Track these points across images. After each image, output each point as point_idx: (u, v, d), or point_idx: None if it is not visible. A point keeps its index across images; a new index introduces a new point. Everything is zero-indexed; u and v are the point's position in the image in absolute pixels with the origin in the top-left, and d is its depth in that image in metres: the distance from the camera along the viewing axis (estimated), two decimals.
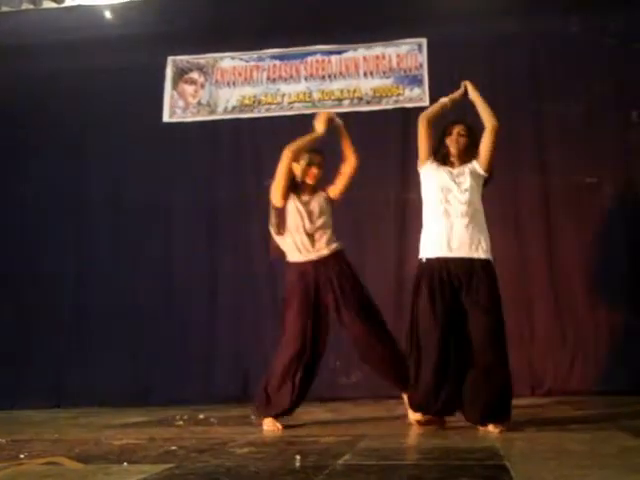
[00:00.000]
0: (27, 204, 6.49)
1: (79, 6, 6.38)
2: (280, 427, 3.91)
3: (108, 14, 6.33)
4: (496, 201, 5.82)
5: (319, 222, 4.06)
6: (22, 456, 3.11)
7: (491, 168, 3.87)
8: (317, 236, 4.04)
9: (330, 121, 4.19)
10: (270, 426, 3.94)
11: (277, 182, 4.07)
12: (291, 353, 3.93)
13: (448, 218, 3.74)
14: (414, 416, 3.82)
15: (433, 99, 5.96)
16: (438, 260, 3.71)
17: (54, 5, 6.37)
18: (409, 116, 6.08)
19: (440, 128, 4.00)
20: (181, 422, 4.50)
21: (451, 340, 3.64)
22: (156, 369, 6.00)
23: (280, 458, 2.90)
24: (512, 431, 3.46)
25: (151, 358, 6.04)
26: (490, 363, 3.58)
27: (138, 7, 6.33)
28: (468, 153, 3.88)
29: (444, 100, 4.12)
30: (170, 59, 6.60)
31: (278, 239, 4.10)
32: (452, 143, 3.89)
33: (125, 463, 2.86)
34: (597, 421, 3.88)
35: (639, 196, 5.75)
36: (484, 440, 3.26)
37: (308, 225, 4.03)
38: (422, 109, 5.95)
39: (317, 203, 4.10)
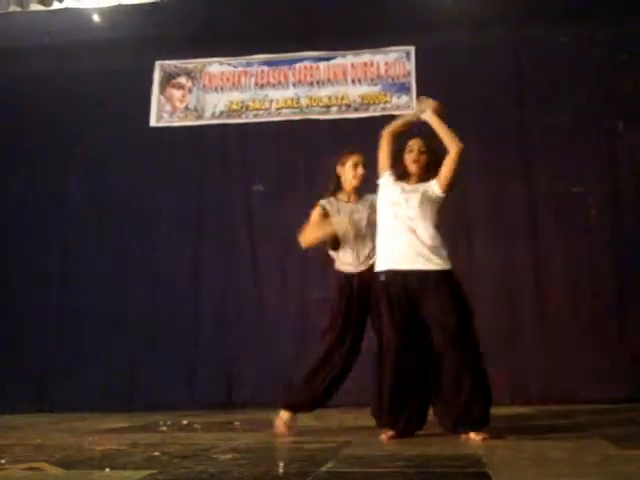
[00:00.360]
0: (13, 205, 6.46)
1: (67, 9, 6.37)
2: (290, 427, 3.90)
3: (96, 17, 6.32)
4: (482, 210, 5.89)
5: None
6: (3, 461, 3.08)
7: (450, 189, 3.78)
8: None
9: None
10: (281, 423, 3.92)
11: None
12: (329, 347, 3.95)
13: (397, 233, 3.71)
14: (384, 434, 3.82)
15: None
16: (394, 273, 3.69)
17: (42, 8, 6.36)
18: None
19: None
20: (165, 428, 4.48)
21: (410, 355, 3.62)
22: (140, 374, 5.98)
23: (263, 464, 2.89)
24: (494, 439, 3.47)
25: (135, 363, 6.02)
26: (457, 369, 3.55)
27: (126, 11, 6.33)
28: (428, 170, 3.82)
29: (408, 117, 4.05)
30: (158, 63, 6.59)
31: None
32: (411, 162, 3.82)
33: (107, 469, 2.85)
34: (579, 429, 3.90)
35: (624, 206, 5.79)
36: (466, 448, 3.27)
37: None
38: None
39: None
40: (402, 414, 3.65)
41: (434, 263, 3.65)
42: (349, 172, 4.08)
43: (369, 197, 4.08)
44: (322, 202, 4.14)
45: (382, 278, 3.72)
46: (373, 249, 3.92)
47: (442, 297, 3.61)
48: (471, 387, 3.54)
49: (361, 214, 4.04)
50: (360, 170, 4.04)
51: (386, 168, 3.90)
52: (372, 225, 3.95)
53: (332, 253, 4.10)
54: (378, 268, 3.77)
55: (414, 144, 3.84)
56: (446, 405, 3.60)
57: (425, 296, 3.63)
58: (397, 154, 3.87)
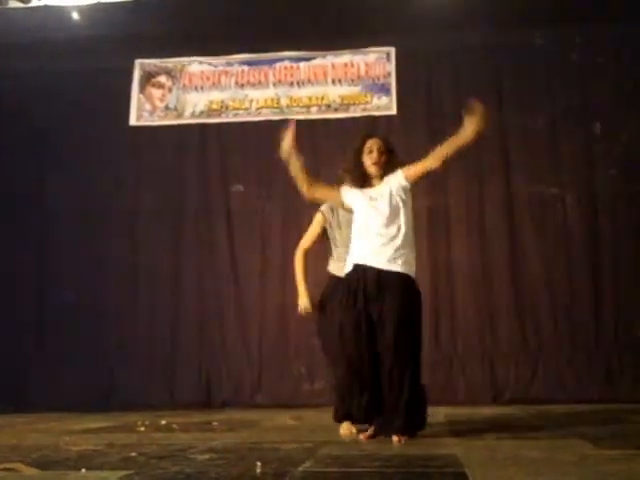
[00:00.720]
0: None
1: (46, 6, 6.32)
2: (354, 431, 3.80)
3: (75, 15, 6.27)
4: (460, 210, 5.92)
5: None
6: None
7: (414, 182, 3.66)
8: None
9: None
10: (345, 430, 3.86)
11: None
12: None
13: (367, 238, 3.63)
14: (342, 430, 3.83)
15: (400, 107, 6.07)
16: (356, 268, 3.64)
17: (20, 5, 6.30)
18: (377, 124, 6.14)
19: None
20: (142, 428, 4.45)
21: (365, 351, 3.58)
22: (118, 373, 5.96)
23: (241, 464, 2.88)
24: (472, 439, 3.48)
25: (114, 362, 6.00)
26: (394, 375, 3.51)
27: (106, 9, 6.28)
28: (387, 171, 3.67)
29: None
30: (138, 62, 6.56)
31: None
32: (371, 164, 3.66)
33: (83, 469, 2.82)
34: (556, 429, 3.92)
35: (601, 207, 5.84)
36: (444, 447, 3.27)
37: None
38: (390, 117, 6.08)
39: None
40: (353, 401, 3.66)
41: (397, 265, 3.62)
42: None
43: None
44: (323, 209, 4.10)
45: (344, 273, 3.72)
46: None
47: (394, 299, 3.55)
48: (405, 396, 3.49)
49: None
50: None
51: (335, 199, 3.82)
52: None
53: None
54: (346, 269, 3.71)
55: (373, 144, 3.70)
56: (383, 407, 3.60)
57: (379, 295, 3.58)
58: (355, 155, 3.72)
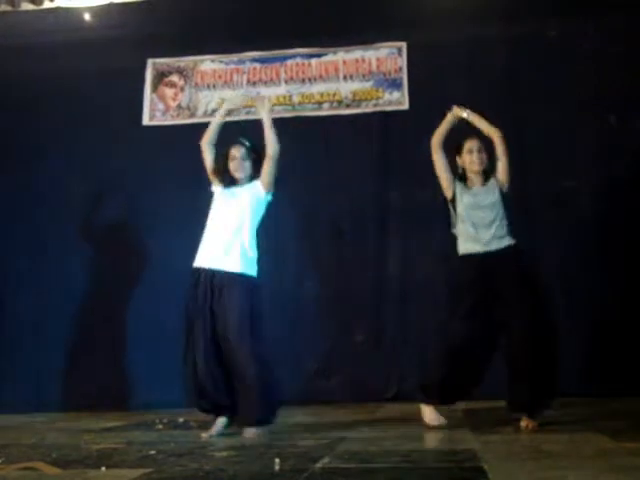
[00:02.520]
0: (7, 206, 6.43)
1: (58, 8, 6.35)
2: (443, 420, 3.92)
3: (87, 16, 6.30)
4: None
5: None
6: None
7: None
8: None
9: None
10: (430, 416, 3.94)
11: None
12: None
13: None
14: None
15: (413, 102, 6.05)
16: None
17: (33, 7, 6.33)
18: (389, 119, 6.13)
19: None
20: (160, 426, 4.48)
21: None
22: (137, 373, 5.97)
23: (259, 461, 2.89)
24: (490, 433, 3.48)
25: (131, 362, 6.01)
26: (240, 369, 3.87)
27: (117, 9, 6.31)
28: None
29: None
30: (150, 62, 6.57)
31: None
32: (234, 170, 4.25)
33: (103, 468, 2.85)
34: (573, 423, 3.91)
35: (617, 199, 5.79)
36: (462, 442, 3.27)
37: None
38: (402, 112, 6.07)
39: None
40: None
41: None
42: (466, 159, 4.11)
43: None
44: None
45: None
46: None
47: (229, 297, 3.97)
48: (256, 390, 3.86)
49: (485, 196, 4.06)
50: (474, 154, 4.07)
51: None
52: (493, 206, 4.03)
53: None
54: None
55: (236, 151, 4.20)
56: None
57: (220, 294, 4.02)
58: (222, 160, 4.24)
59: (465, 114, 4.15)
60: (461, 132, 4.18)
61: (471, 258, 3.98)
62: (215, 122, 4.33)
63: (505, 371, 3.92)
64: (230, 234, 4.09)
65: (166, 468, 2.78)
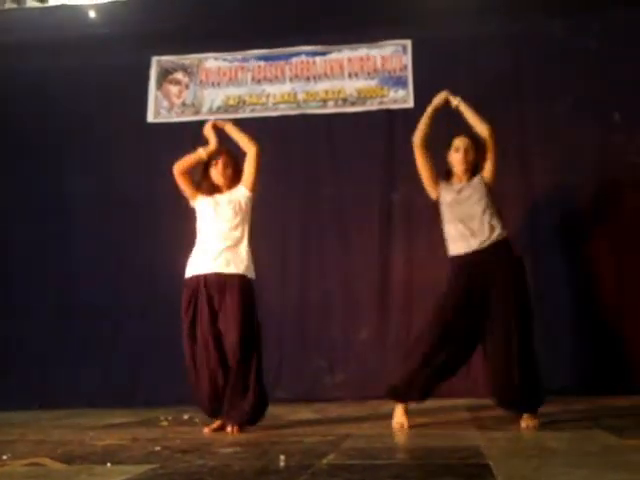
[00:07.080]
0: (12, 203, 6.45)
1: (63, 6, 6.36)
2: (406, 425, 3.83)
3: (92, 14, 6.30)
4: None
5: None
6: (5, 457, 3.09)
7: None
8: None
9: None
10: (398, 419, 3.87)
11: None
12: None
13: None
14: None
15: (417, 100, 6.05)
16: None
17: (38, 4, 6.35)
18: (393, 117, 6.13)
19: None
20: (165, 422, 4.49)
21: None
22: (141, 369, 5.98)
23: (264, 458, 2.90)
24: (495, 430, 3.48)
25: (136, 358, 6.02)
26: (236, 374, 3.92)
27: (122, 7, 6.32)
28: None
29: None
30: (154, 59, 6.58)
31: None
32: (218, 175, 4.24)
33: (108, 464, 2.86)
34: (577, 420, 3.91)
35: (620, 196, 5.78)
36: (467, 439, 3.28)
37: None
38: (406, 110, 6.06)
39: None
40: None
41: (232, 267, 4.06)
42: (452, 156, 4.07)
43: None
44: None
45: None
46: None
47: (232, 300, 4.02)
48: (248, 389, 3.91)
49: (470, 190, 4.01)
50: (460, 154, 4.01)
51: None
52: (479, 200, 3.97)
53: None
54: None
55: (221, 160, 4.21)
56: None
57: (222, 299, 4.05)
58: (202, 171, 4.29)
59: (456, 102, 4.10)
60: (460, 131, 4.17)
61: (459, 259, 3.95)
62: (193, 158, 4.32)
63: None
64: (224, 239, 4.10)
65: (171, 464, 2.79)
